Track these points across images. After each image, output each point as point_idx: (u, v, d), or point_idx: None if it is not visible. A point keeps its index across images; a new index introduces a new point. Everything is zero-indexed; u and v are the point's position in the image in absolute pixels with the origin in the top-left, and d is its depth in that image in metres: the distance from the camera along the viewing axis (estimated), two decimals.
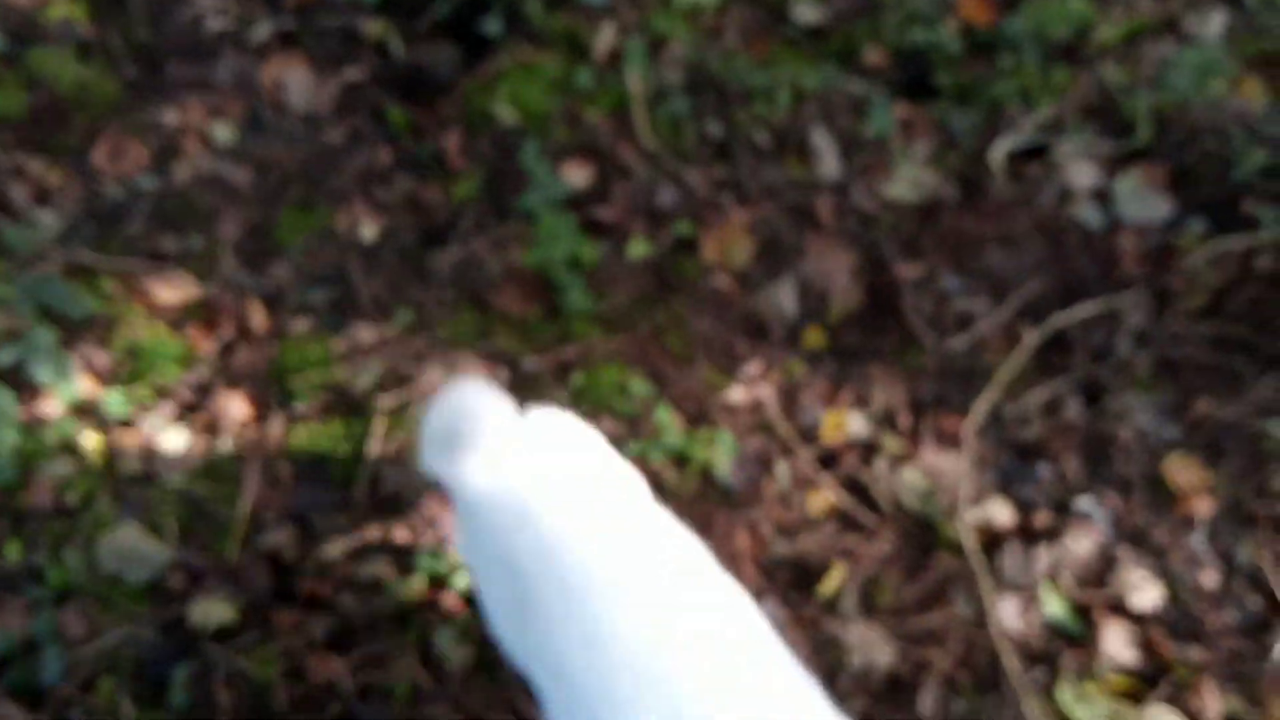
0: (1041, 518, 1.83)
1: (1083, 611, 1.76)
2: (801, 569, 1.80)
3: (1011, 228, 2.09)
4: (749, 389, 1.94)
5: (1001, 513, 1.84)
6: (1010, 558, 1.80)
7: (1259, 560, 1.79)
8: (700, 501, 1.82)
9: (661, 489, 1.80)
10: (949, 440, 1.90)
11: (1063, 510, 1.84)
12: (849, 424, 1.92)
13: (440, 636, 1.68)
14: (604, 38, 2.32)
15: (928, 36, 2.25)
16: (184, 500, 1.79)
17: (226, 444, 1.84)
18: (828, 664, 1.68)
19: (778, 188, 2.12)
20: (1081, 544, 1.81)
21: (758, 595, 1.73)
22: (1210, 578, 1.78)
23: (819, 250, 2.08)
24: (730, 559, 1.74)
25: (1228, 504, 1.83)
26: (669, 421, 1.85)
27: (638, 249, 2.05)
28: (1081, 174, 2.13)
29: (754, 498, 1.84)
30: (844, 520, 1.84)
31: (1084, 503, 1.85)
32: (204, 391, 1.90)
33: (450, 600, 1.73)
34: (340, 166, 2.14)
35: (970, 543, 1.78)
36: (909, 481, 1.87)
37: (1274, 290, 2.01)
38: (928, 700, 1.65)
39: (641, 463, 1.82)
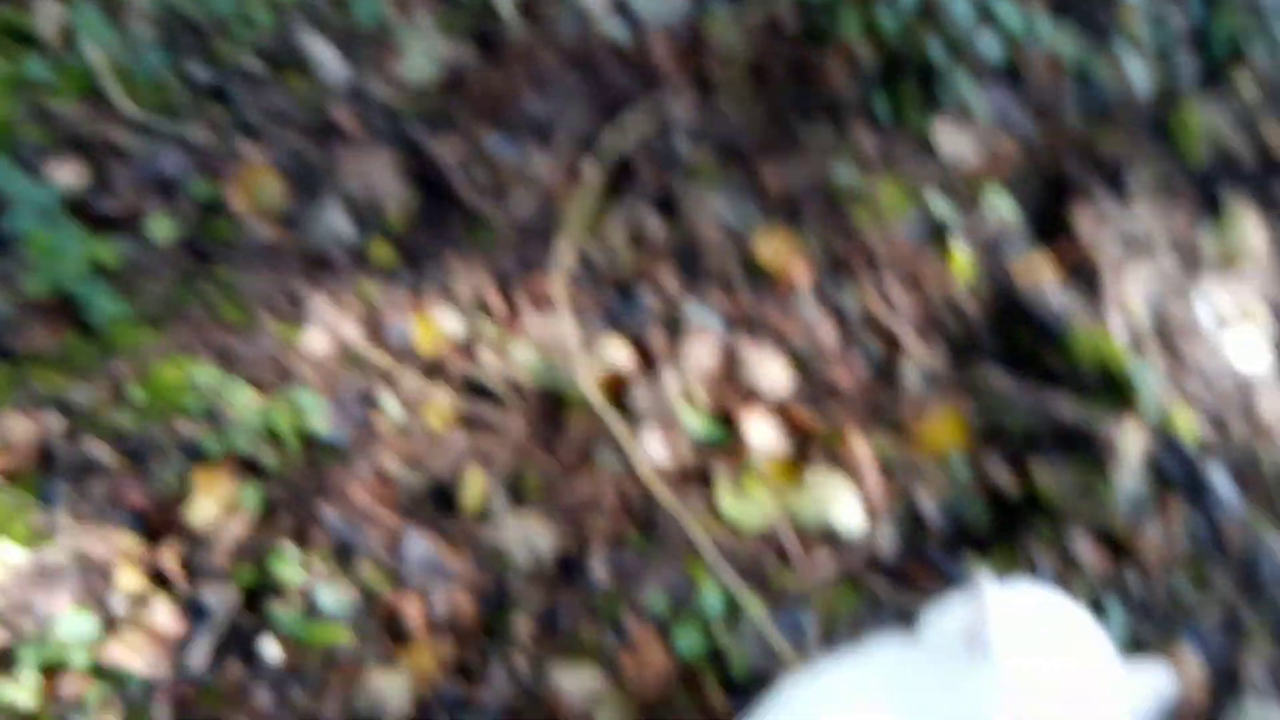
0: (658, 342, 1.76)
1: (723, 417, 1.70)
2: (442, 491, 1.66)
3: (541, 69, 1.97)
4: (327, 331, 1.76)
5: (619, 353, 1.75)
6: (640, 393, 1.72)
7: (867, 303, 1.77)
8: (312, 470, 1.64)
9: (265, 474, 1.61)
10: (546, 303, 1.78)
11: (675, 327, 1.77)
12: (442, 325, 1.78)
13: None
14: (48, 17, 2.01)
15: None
16: None
17: None
18: (495, 578, 1.56)
19: (287, 112, 1.92)
20: (702, 353, 1.75)
21: (400, 538, 1.58)
22: (829, 337, 1.76)
23: (353, 161, 1.89)
24: (359, 518, 1.58)
25: (822, 262, 1.81)
26: (243, 401, 1.65)
27: (161, 229, 1.82)
28: None
29: (368, 440, 1.68)
30: (470, 424, 1.71)
31: (693, 312, 1.78)
32: None
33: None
34: None
35: (596, 396, 1.68)
36: (520, 359, 1.75)
37: (805, 44, 1.97)
38: (598, 566, 1.57)
39: (236, 458, 1.62)
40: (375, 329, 1.78)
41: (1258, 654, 1.50)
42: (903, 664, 1.03)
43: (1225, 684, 1.49)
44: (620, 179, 1.90)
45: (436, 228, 1.87)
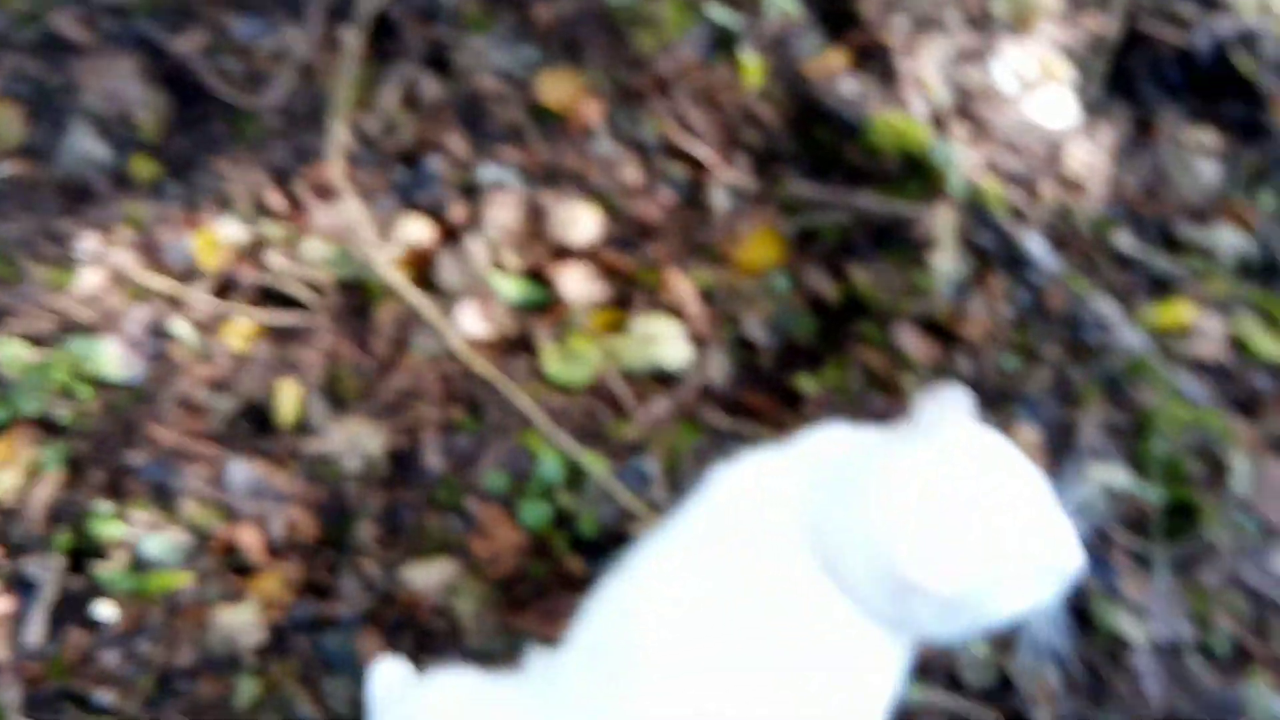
0: (457, 211, 1.66)
1: (536, 277, 1.63)
2: (256, 411, 1.57)
3: None
4: (100, 266, 1.62)
5: (417, 229, 1.65)
6: (446, 267, 1.63)
7: (664, 129, 1.68)
8: (112, 417, 1.53)
9: (63, 431, 1.50)
10: (330, 192, 1.66)
11: (472, 191, 1.66)
12: (224, 235, 1.65)
13: None
14: None
15: None
16: None
17: None
18: (329, 489, 1.49)
19: (4, 32, 1.71)
20: (504, 213, 1.66)
21: (221, 468, 1.50)
22: (631, 173, 1.68)
23: (91, 75, 1.72)
24: (172, 458, 1.49)
25: (611, 95, 1.70)
26: (19, 359, 1.53)
27: None
28: None
29: (166, 374, 1.58)
30: (273, 335, 1.61)
31: (487, 173, 1.68)
32: None
33: None
34: None
35: (399, 279, 1.59)
36: (314, 256, 1.64)
37: None
38: (432, 456, 1.51)
39: (27, 421, 1.51)
40: (152, 253, 1.66)
41: (1091, 414, 1.51)
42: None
43: (1062, 448, 1.50)
44: (383, 41, 1.76)
45: (197, 131, 1.73)
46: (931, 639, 0.99)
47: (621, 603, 1.02)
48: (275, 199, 1.69)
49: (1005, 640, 1.38)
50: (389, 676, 1.31)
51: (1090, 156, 1.68)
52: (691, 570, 0.98)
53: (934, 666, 1.38)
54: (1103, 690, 1.40)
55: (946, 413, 0.92)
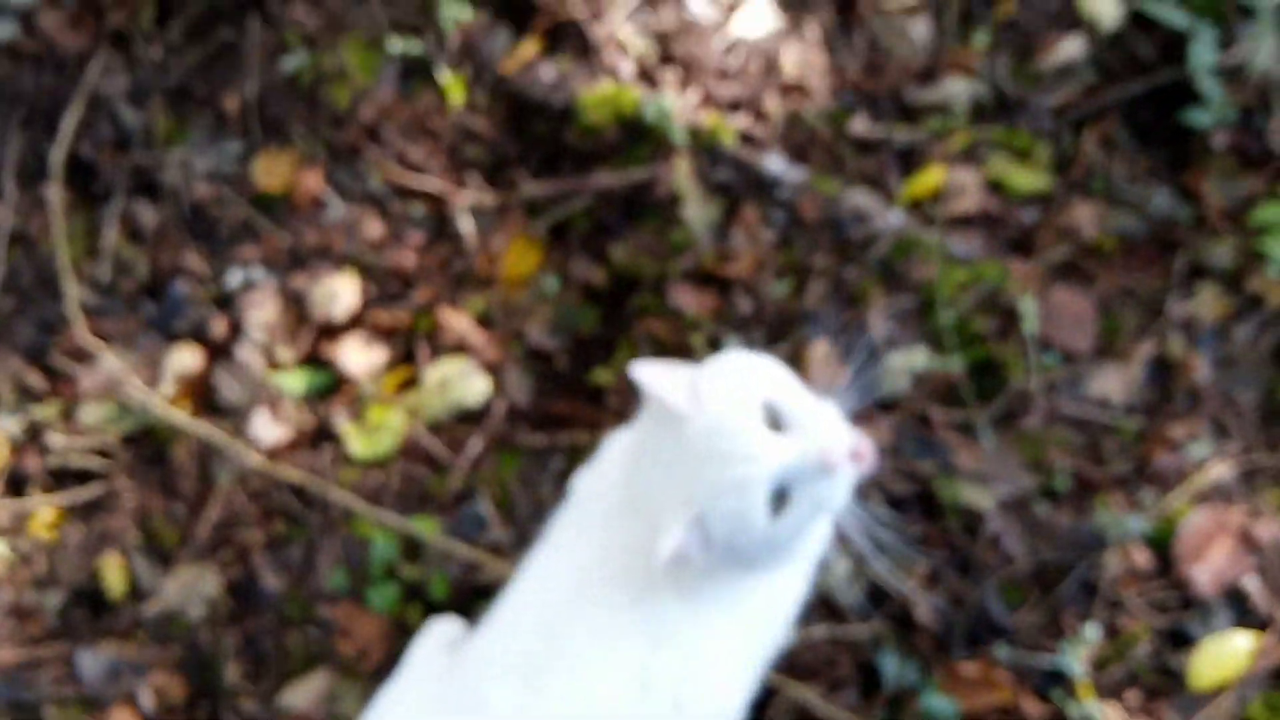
0: (217, 327, 1.62)
1: (314, 361, 1.60)
2: (86, 594, 1.57)
3: None
4: None
5: (185, 358, 1.64)
6: (225, 385, 1.59)
7: (389, 174, 1.65)
8: None
9: None
10: (86, 354, 1.61)
11: (225, 301, 1.62)
12: None
13: None
14: None
15: None
16: None
17: None
18: (183, 645, 1.51)
19: None
20: (263, 311, 1.64)
21: (72, 663, 1.46)
22: (374, 228, 1.65)
23: None
24: (16, 670, 1.45)
25: (325, 158, 1.66)
26: None
27: None
28: None
29: None
30: (79, 512, 1.58)
31: (234, 278, 1.64)
32: None
33: None
34: None
35: (181, 416, 1.55)
36: (92, 420, 1.61)
37: None
38: (269, 578, 1.48)
39: None
40: None
41: (876, 308, 1.52)
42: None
43: (855, 350, 1.51)
44: (85, 184, 1.70)
45: None
46: (763, 566, 1.00)
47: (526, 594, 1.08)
48: (35, 379, 1.64)
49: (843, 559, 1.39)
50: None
51: (803, 55, 1.67)
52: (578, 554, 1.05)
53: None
54: (969, 563, 1.42)
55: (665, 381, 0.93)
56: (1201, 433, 1.46)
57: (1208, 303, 1.52)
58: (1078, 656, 1.37)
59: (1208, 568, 1.41)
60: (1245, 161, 1.59)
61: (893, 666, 1.38)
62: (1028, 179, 1.61)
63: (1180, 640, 1.39)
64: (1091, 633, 1.38)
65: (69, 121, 1.68)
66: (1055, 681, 1.36)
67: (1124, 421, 1.47)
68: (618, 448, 1.10)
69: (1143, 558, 1.41)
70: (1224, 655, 1.38)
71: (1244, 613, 1.40)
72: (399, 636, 1.46)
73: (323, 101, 1.68)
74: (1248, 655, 1.37)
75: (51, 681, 1.50)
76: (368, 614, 1.47)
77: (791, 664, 1.37)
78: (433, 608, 1.46)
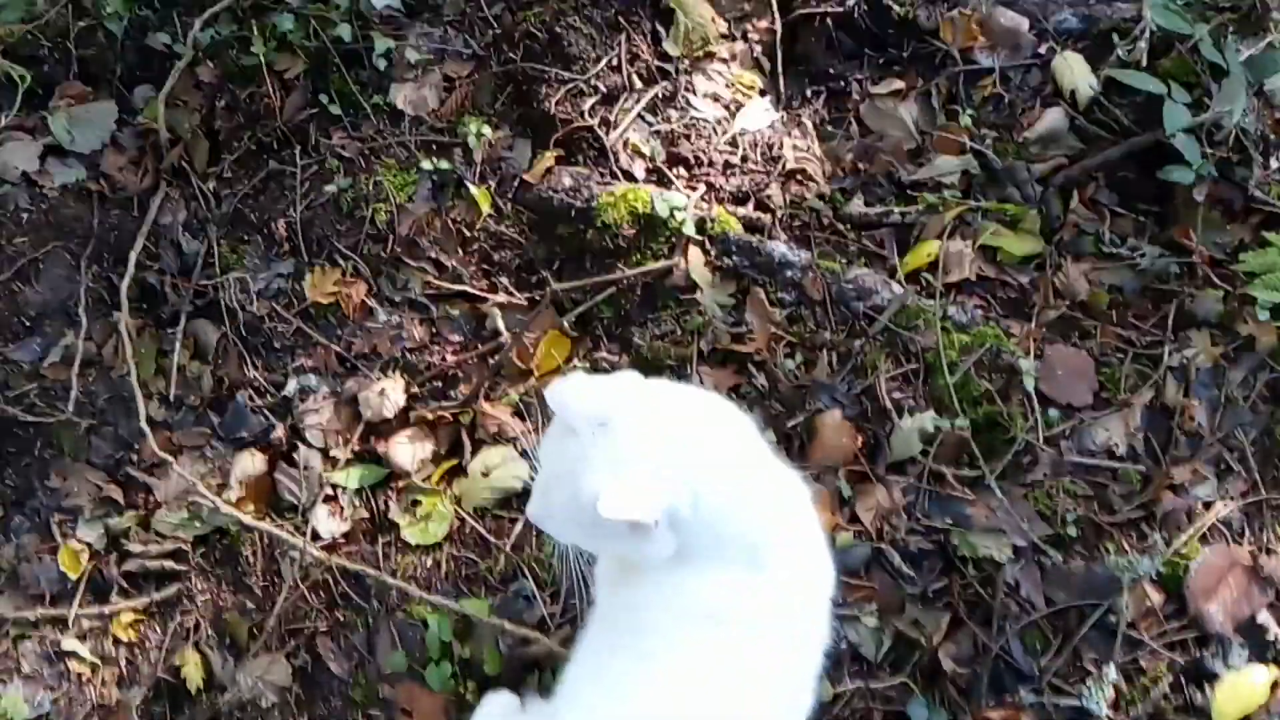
0: (278, 433, 1.75)
1: (367, 457, 1.72)
2: (167, 688, 1.68)
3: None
4: None
5: (250, 463, 1.77)
6: (287, 484, 1.73)
7: (428, 281, 1.79)
8: None
9: None
10: (159, 465, 1.76)
11: (285, 408, 1.76)
12: (80, 543, 1.74)
13: None
14: None
15: None
16: None
17: None
18: None
19: None
20: (320, 416, 1.79)
21: None
22: (417, 331, 1.78)
23: None
24: None
25: (369, 271, 1.81)
26: None
27: None
28: None
29: (75, 691, 1.67)
30: (158, 611, 1.70)
31: (291, 386, 1.78)
32: None
33: None
34: None
35: (244, 516, 1.68)
36: (166, 526, 1.76)
37: None
38: (334, 663, 1.60)
39: None
40: (21, 587, 1.74)
41: (883, 375, 1.62)
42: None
43: (879, 418, 1.61)
44: (152, 309, 1.87)
45: (19, 463, 1.82)
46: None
47: None
48: (114, 490, 1.78)
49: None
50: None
51: (801, 144, 1.81)
52: None
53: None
54: (990, 612, 1.50)
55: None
56: (1205, 474, 1.53)
57: (1201, 349, 1.61)
58: (1101, 697, 1.43)
59: (1221, 604, 1.47)
60: (1229, 212, 1.69)
61: (922, 716, 1.45)
62: (1020, 244, 1.72)
63: (1200, 676, 1.45)
64: (1112, 674, 1.44)
65: (134, 254, 1.85)
66: None
67: (1128, 468, 1.55)
68: None
69: (1157, 598, 1.48)
70: (1244, 689, 1.44)
71: (1261, 645, 1.46)
72: (456, 712, 1.56)
73: (363, 219, 1.83)
74: (1267, 688, 1.43)
75: None
76: (427, 692, 1.58)
77: (824, 718, 1.45)
78: (487, 683, 1.56)
